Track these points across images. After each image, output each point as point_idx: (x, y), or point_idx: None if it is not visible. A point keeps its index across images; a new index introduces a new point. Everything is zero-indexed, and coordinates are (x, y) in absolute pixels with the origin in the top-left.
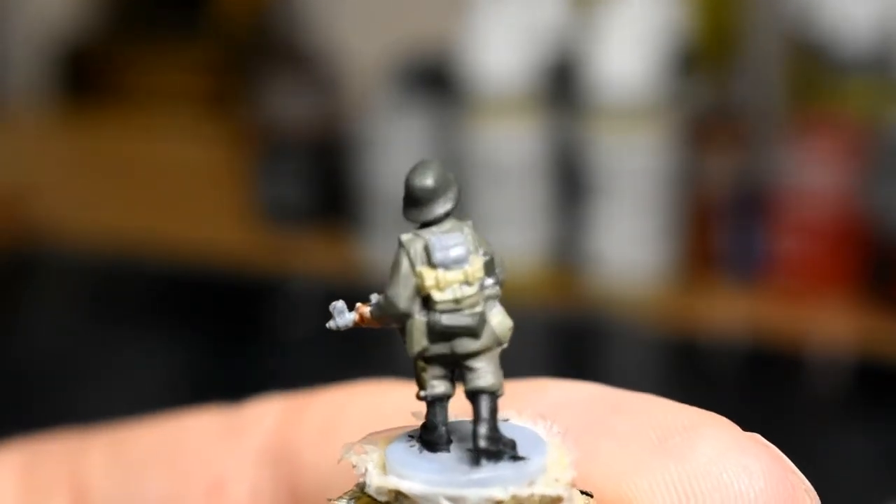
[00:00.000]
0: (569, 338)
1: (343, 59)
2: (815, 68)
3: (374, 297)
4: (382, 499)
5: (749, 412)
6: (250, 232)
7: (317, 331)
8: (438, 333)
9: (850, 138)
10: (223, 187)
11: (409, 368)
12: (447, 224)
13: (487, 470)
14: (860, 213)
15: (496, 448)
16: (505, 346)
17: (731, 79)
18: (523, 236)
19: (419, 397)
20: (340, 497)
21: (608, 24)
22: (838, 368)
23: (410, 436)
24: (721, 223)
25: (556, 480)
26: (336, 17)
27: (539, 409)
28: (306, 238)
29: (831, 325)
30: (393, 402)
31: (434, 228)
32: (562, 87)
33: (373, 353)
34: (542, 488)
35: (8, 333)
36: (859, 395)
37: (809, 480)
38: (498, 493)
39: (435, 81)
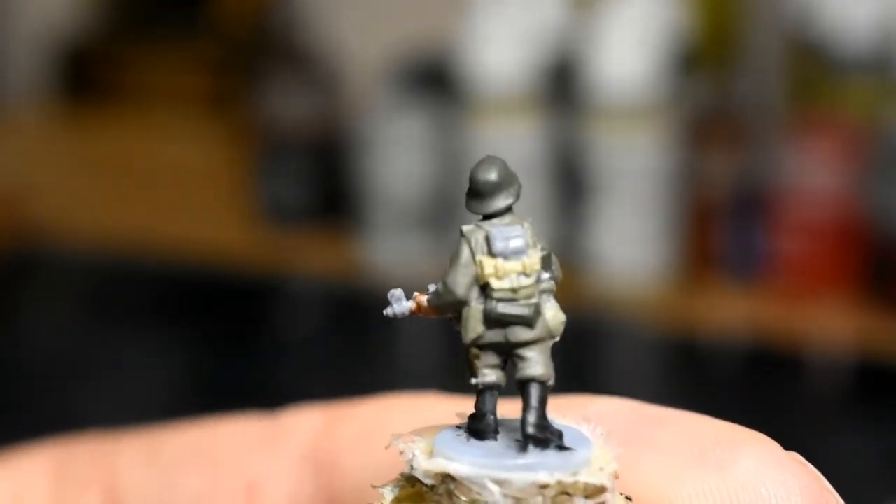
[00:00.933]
0: (569, 337)
1: (343, 59)
2: (815, 68)
3: (433, 287)
4: (429, 482)
5: (749, 412)
6: (250, 232)
7: (317, 331)
8: (494, 321)
9: (849, 138)
10: (223, 187)
11: (409, 370)
12: (508, 218)
13: (534, 456)
14: (860, 214)
15: (544, 436)
16: (557, 339)
17: (731, 79)
18: None
19: (470, 385)
20: (385, 484)
21: (608, 25)
22: (838, 368)
23: (458, 427)
24: (721, 223)
25: (601, 469)
26: (336, 17)
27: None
28: (306, 238)
29: (831, 325)
30: (433, 414)
31: (495, 221)
32: (562, 87)
33: (373, 353)
34: (587, 477)
35: (8, 333)
36: (859, 395)
37: None
38: (544, 478)
39: (435, 81)
